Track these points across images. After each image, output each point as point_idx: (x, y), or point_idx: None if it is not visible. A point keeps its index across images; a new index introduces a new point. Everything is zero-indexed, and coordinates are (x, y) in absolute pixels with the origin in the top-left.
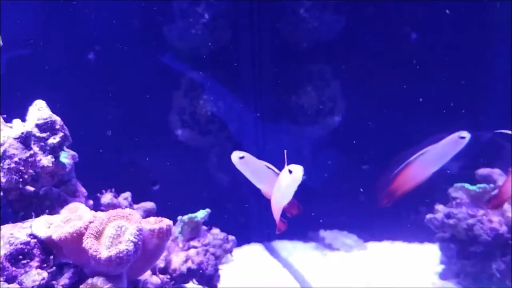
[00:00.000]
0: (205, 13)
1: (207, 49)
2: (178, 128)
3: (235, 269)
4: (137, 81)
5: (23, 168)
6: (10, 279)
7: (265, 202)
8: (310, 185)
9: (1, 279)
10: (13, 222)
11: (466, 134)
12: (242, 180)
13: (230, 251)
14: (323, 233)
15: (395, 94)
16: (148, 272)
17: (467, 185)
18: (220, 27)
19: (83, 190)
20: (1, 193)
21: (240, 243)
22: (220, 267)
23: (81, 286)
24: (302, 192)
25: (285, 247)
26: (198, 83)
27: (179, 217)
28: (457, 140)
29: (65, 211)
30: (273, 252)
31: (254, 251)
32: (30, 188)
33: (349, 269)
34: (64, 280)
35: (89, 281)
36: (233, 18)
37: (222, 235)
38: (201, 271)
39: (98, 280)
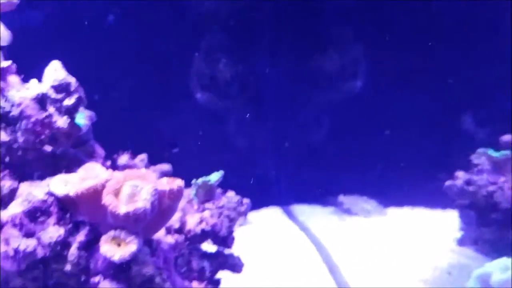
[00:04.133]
0: None
1: (227, 11)
2: (198, 91)
3: (251, 231)
4: (158, 43)
5: (40, 129)
6: (29, 235)
7: (283, 166)
8: (330, 150)
9: (20, 234)
10: (31, 181)
11: None
12: (260, 144)
13: (244, 213)
14: (342, 198)
15: (419, 58)
16: (163, 232)
17: (490, 151)
18: None
19: (100, 151)
20: (19, 153)
21: (258, 206)
22: (235, 229)
23: (103, 237)
24: (321, 157)
25: (303, 211)
26: (217, 46)
27: (193, 180)
28: None
29: (82, 171)
30: (291, 215)
31: (271, 214)
32: (47, 149)
33: (367, 234)
34: (80, 237)
35: (111, 233)
36: None
37: (236, 198)
38: (215, 233)
39: (121, 233)
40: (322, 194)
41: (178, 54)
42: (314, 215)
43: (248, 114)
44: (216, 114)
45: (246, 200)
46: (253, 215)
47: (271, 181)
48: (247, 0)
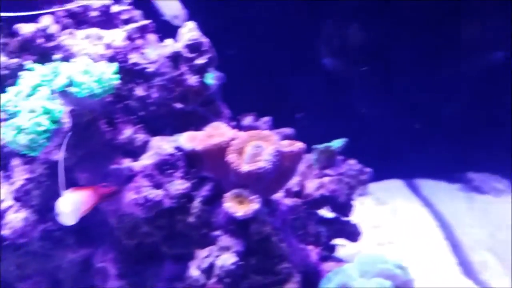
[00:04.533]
0: None
1: None
2: (326, 56)
3: (371, 202)
4: (288, 7)
5: (172, 85)
6: (157, 186)
7: (409, 137)
8: (461, 124)
9: (149, 184)
10: (162, 135)
11: None
12: (386, 114)
13: (365, 182)
14: (471, 174)
15: None
16: (281, 194)
17: None
18: None
19: (226, 111)
20: (153, 108)
21: (379, 177)
22: (355, 197)
23: (227, 194)
24: (451, 131)
25: (427, 185)
26: (349, 10)
27: (315, 146)
28: None
29: (208, 128)
30: (414, 189)
31: (393, 186)
32: (178, 105)
33: (495, 215)
34: (204, 192)
35: (235, 190)
36: None
37: (358, 166)
38: (333, 199)
39: (244, 191)
40: (449, 169)
41: (308, 17)
42: (439, 191)
43: (376, 82)
44: (343, 81)
45: (368, 169)
46: (374, 186)
47: (395, 153)
48: None
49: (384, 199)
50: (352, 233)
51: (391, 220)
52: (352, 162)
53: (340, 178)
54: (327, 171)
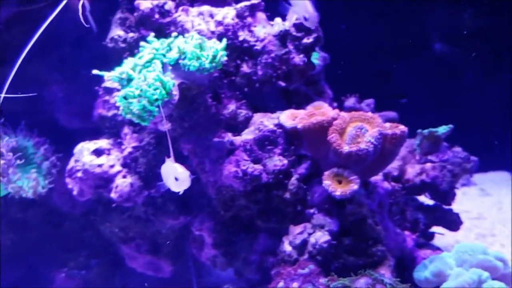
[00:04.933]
0: None
1: None
2: (436, 41)
3: (473, 192)
4: None
5: (277, 64)
6: (256, 161)
7: None
8: None
9: (249, 159)
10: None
11: None
12: (497, 103)
13: (470, 171)
14: None
15: None
16: (380, 177)
17: None
18: None
19: (329, 92)
20: (257, 85)
21: (485, 168)
22: (457, 185)
23: (326, 172)
24: None
25: None
26: None
27: (419, 130)
28: None
29: (310, 107)
30: None
31: (499, 178)
32: (282, 83)
33: None
34: (301, 169)
35: (334, 169)
36: None
37: (463, 154)
38: (435, 186)
39: (344, 171)
40: None
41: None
42: None
43: (487, 70)
44: (452, 67)
45: (474, 158)
46: (479, 177)
47: (504, 144)
48: None
49: (489, 191)
50: (452, 222)
51: (495, 213)
52: (457, 149)
53: (444, 165)
54: (430, 157)
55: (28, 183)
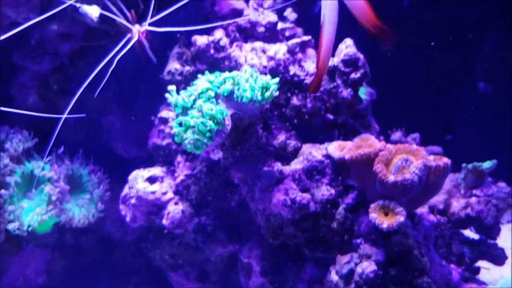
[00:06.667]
0: None
1: None
2: (481, 79)
3: None
4: (443, 26)
5: (326, 97)
6: (305, 190)
7: None
8: None
9: (297, 188)
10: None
11: None
12: None
13: None
14: None
15: None
16: (426, 209)
17: None
18: None
19: (376, 126)
20: (306, 117)
21: None
22: (502, 221)
23: (372, 205)
24: None
25: None
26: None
27: (464, 164)
28: None
29: (357, 139)
30: None
31: None
32: (330, 116)
33: None
34: (348, 199)
35: (380, 202)
36: None
37: (507, 188)
38: (480, 220)
39: (390, 203)
40: None
41: (465, 38)
42: None
43: None
44: (499, 106)
45: None
46: None
47: None
48: None
49: None
50: (497, 257)
51: None
52: (501, 184)
53: (488, 199)
54: (475, 191)
55: (80, 211)
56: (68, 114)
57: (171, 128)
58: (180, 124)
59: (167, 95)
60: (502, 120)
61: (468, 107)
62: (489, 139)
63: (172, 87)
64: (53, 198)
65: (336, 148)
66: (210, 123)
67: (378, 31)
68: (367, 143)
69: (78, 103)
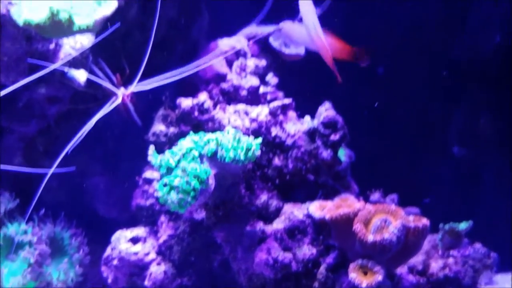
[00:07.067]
0: None
1: (496, 64)
2: (455, 144)
3: None
4: (419, 90)
5: (307, 158)
6: (287, 249)
7: None
8: None
9: (279, 247)
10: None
11: None
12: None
13: (490, 267)
14: None
15: None
16: (405, 270)
17: None
18: None
19: (355, 187)
20: (287, 177)
21: (508, 268)
22: (480, 283)
23: (351, 264)
24: None
25: None
26: (481, 100)
27: (441, 225)
28: None
29: (337, 199)
30: None
31: None
32: (311, 176)
33: None
34: (329, 259)
35: (359, 261)
36: None
37: (483, 249)
38: (458, 280)
39: (368, 262)
40: None
41: (439, 104)
42: None
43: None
44: (472, 169)
45: (494, 254)
46: (501, 278)
47: None
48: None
49: None
50: None
51: None
52: (477, 245)
53: (465, 260)
54: (452, 252)
55: (59, 276)
56: (53, 169)
57: (155, 188)
58: (165, 185)
59: (149, 158)
60: (476, 183)
61: (444, 170)
62: (465, 200)
63: (151, 150)
64: (31, 261)
65: (317, 208)
66: (194, 182)
67: (354, 54)
68: (347, 203)
69: (63, 165)
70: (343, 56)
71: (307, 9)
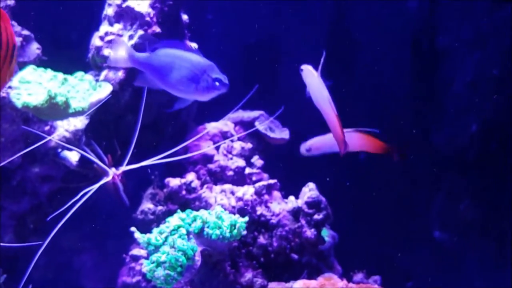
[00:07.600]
0: None
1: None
2: (436, 229)
3: None
4: (401, 175)
5: (291, 236)
6: None
7: None
8: None
9: None
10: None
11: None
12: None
13: None
14: None
15: None
16: None
17: None
18: None
19: (338, 267)
20: (272, 256)
21: None
22: None
23: None
24: None
25: None
26: (461, 186)
27: None
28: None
29: (321, 278)
30: None
31: None
32: (295, 256)
33: None
34: None
35: None
36: None
37: None
38: None
39: None
40: None
41: (420, 189)
42: None
43: (489, 258)
44: (454, 254)
45: None
46: None
47: None
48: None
49: None
50: None
51: None
52: None
53: None
54: None
55: None
56: (42, 247)
57: (142, 265)
58: (152, 262)
59: (136, 235)
60: (458, 267)
61: (426, 253)
62: (447, 284)
63: (133, 229)
64: None
65: (301, 286)
66: (181, 258)
67: (387, 150)
68: (330, 282)
69: (52, 242)
70: (377, 152)
71: (314, 82)
